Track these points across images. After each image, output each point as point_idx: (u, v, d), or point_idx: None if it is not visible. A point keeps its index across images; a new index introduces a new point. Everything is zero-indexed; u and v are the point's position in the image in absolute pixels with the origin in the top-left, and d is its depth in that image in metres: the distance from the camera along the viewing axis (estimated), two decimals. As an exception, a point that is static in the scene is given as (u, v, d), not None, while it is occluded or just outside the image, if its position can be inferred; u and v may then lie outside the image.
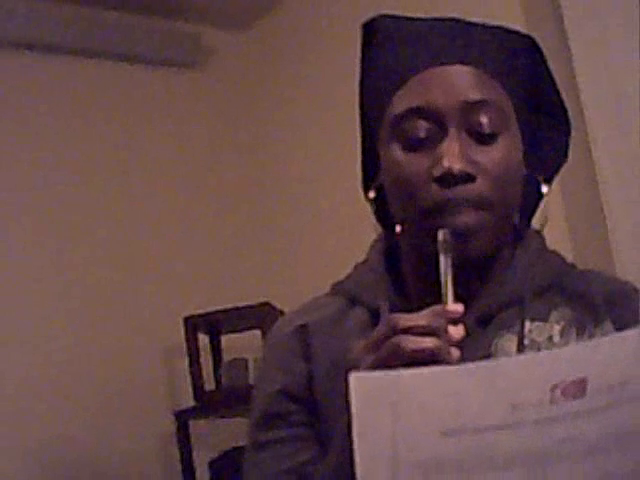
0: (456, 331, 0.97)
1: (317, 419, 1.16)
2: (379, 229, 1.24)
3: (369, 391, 0.88)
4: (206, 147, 3.37)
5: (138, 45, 3.22)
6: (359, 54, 1.19)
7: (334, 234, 3.07)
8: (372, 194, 1.19)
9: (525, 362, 0.93)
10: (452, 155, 1.07)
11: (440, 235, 1.05)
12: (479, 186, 1.08)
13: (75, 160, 3.07)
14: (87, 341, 2.93)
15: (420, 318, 0.95)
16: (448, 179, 1.07)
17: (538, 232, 1.22)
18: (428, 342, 0.93)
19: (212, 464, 2.86)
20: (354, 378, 0.89)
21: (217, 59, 3.46)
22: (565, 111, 1.21)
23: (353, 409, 0.88)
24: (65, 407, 2.84)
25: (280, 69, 3.42)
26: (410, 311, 0.98)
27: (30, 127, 2.99)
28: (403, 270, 1.20)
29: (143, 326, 3.03)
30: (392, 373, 0.90)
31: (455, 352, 0.96)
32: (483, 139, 1.10)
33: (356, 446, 0.88)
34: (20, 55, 3.00)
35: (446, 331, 0.96)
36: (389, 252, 1.23)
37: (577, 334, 1.12)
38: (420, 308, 0.98)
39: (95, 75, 3.16)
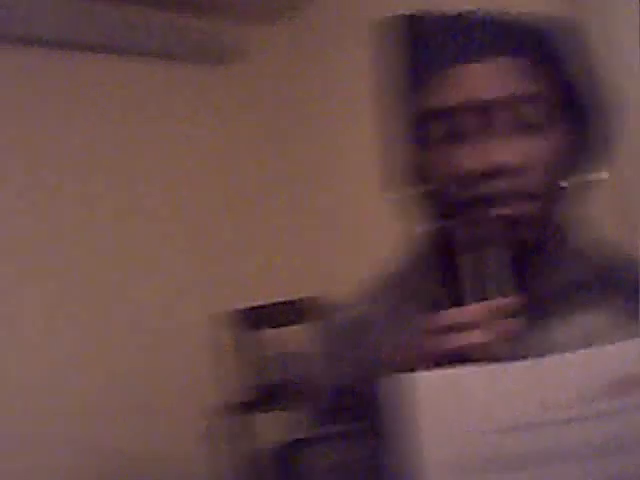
0: (508, 324, 0.96)
1: (373, 413, 1.16)
2: (421, 223, 1.24)
3: (418, 390, 0.88)
4: (237, 142, 3.37)
5: (169, 43, 3.23)
6: (391, 48, 1.18)
7: (375, 227, 3.05)
8: (412, 190, 1.18)
9: (578, 358, 0.92)
10: (497, 148, 1.07)
11: (488, 228, 1.04)
12: (525, 178, 1.08)
13: (110, 156, 3.08)
14: (129, 338, 2.95)
15: (465, 314, 0.95)
16: (494, 172, 1.06)
17: (583, 221, 1.20)
18: (472, 338, 0.93)
19: (260, 456, 2.86)
20: (405, 378, 0.89)
21: (247, 55, 3.46)
22: (599, 106, 1.18)
23: (389, 409, 0.87)
24: (107, 405, 2.86)
25: (310, 64, 3.42)
26: (461, 305, 0.97)
27: (69, 124, 3.00)
28: (453, 263, 1.19)
29: (188, 322, 3.04)
30: (440, 371, 0.89)
31: (504, 347, 0.94)
32: (528, 131, 1.09)
33: (413, 443, 0.87)
34: (56, 54, 3.02)
35: (497, 325, 0.95)
36: (437, 244, 1.22)
37: (629, 324, 1.11)
38: (471, 301, 0.98)
39: (127, 73, 3.17)
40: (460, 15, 1.15)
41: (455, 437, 0.88)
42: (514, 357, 0.93)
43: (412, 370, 0.92)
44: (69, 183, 3.01)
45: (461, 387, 0.89)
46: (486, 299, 0.98)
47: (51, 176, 2.97)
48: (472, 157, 1.07)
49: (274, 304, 2.85)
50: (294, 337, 2.83)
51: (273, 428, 2.87)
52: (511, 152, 1.07)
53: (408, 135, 1.16)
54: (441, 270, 1.18)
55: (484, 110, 1.08)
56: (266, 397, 2.82)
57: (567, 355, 0.99)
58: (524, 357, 0.92)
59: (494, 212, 1.06)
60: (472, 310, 0.96)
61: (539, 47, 1.11)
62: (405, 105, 1.15)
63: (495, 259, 1.02)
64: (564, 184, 1.12)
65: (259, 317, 2.94)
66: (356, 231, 3.14)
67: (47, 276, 2.88)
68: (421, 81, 1.12)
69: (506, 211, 1.06)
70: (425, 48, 1.13)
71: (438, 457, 0.88)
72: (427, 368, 0.92)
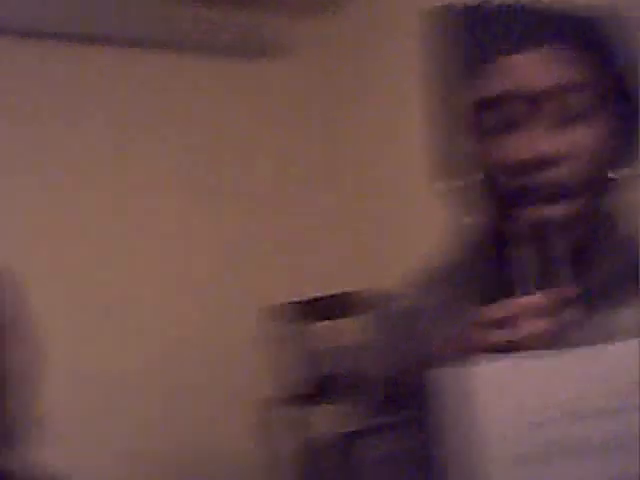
0: (563, 315, 0.96)
1: (425, 404, 1.16)
2: (470, 214, 1.23)
3: (476, 381, 0.89)
4: (281, 136, 3.38)
5: (211, 36, 3.25)
6: (440, 38, 1.18)
7: (423, 219, 3.04)
8: (458, 183, 1.18)
9: (626, 348, 0.91)
10: (544, 137, 1.07)
11: (539, 219, 1.05)
12: (572, 168, 1.08)
13: (159, 152, 3.10)
14: (180, 330, 2.97)
15: (520, 305, 0.95)
16: (541, 162, 1.06)
17: (633, 211, 1.19)
18: (527, 329, 0.93)
19: (308, 448, 2.87)
20: (462, 368, 0.90)
21: (290, 49, 3.46)
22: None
23: (440, 401, 0.87)
24: (162, 399, 2.89)
25: (354, 57, 3.41)
26: (511, 297, 0.97)
27: (119, 119, 3.03)
28: (503, 254, 1.19)
29: (232, 316, 3.06)
30: (498, 361, 0.90)
31: (559, 338, 0.94)
32: (574, 120, 1.08)
33: (471, 432, 0.88)
34: (108, 50, 3.05)
35: (552, 315, 0.95)
36: (487, 236, 1.22)
37: None
38: (524, 293, 0.98)
39: (175, 68, 3.19)
40: (507, 4, 1.15)
41: (513, 427, 0.88)
42: (568, 348, 0.93)
43: (463, 362, 0.92)
44: (134, 177, 3.04)
45: (519, 376, 0.89)
46: (539, 290, 0.98)
47: (116, 169, 3.01)
48: (519, 147, 1.07)
49: (324, 297, 2.86)
50: (344, 330, 2.83)
51: (324, 421, 2.89)
52: (558, 142, 1.06)
53: (457, 125, 1.16)
54: (491, 262, 1.18)
55: (531, 100, 1.07)
56: (317, 390, 2.83)
57: (621, 343, 0.99)
58: (577, 347, 0.92)
59: (543, 203, 1.06)
60: (527, 301, 0.96)
61: (585, 35, 1.10)
62: (454, 95, 1.15)
63: (548, 250, 1.02)
64: (614, 175, 1.11)
65: (310, 310, 2.95)
66: (405, 223, 3.13)
67: (111, 267, 2.92)
68: (470, 71, 1.12)
69: (554, 201, 1.06)
70: (474, 38, 1.13)
71: (497, 448, 0.88)
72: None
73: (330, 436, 2.82)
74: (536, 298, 0.96)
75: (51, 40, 2.95)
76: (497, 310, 0.96)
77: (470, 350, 0.94)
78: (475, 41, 1.13)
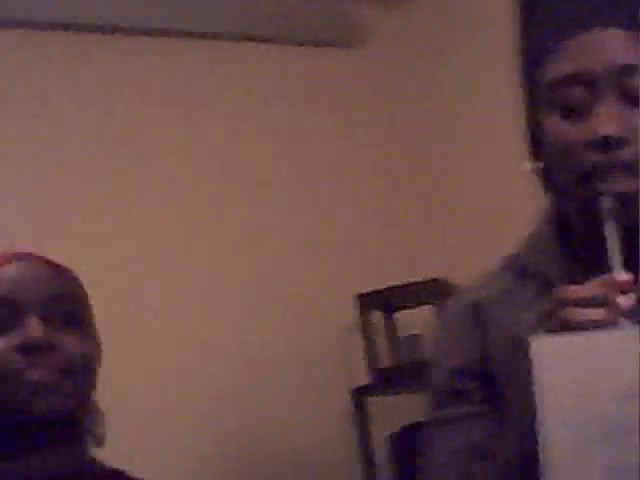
0: (626, 300, 0.95)
1: (494, 396, 1.16)
2: (545, 199, 1.24)
3: (550, 355, 0.89)
4: (367, 125, 3.37)
5: (294, 27, 3.25)
6: (524, 17, 1.19)
7: (504, 207, 3.01)
8: (537, 164, 1.20)
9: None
10: (607, 120, 1.08)
11: (603, 202, 1.06)
12: (635, 149, 1.08)
13: (238, 143, 3.12)
14: (261, 322, 2.99)
15: (588, 289, 0.96)
16: (604, 143, 1.08)
17: None
18: (596, 314, 0.93)
19: (391, 439, 2.87)
20: (534, 342, 0.90)
21: (374, 37, 3.44)
22: None
23: (534, 373, 0.88)
24: (250, 387, 2.91)
25: (438, 45, 3.38)
26: (581, 280, 0.97)
27: (200, 111, 3.06)
28: (573, 239, 1.19)
29: (317, 305, 3.07)
30: (567, 336, 0.90)
31: (624, 322, 0.94)
32: (632, 103, 1.09)
33: (540, 410, 0.88)
34: (185, 43, 3.08)
35: (616, 301, 0.95)
36: (558, 221, 1.21)
37: None
38: (590, 277, 0.98)
39: (253, 59, 3.21)
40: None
41: (583, 402, 0.87)
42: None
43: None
44: (231, 174, 3.07)
45: (589, 351, 0.89)
46: (604, 274, 0.98)
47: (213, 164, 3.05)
48: (582, 129, 1.09)
49: (414, 283, 2.86)
50: (426, 318, 2.82)
51: (417, 408, 2.88)
52: (619, 124, 1.08)
53: (540, 103, 1.17)
54: (563, 245, 1.18)
55: (592, 81, 1.09)
56: (408, 378, 2.82)
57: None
58: None
59: (606, 186, 1.07)
60: (589, 287, 0.96)
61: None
62: (537, 73, 1.16)
63: (610, 234, 1.02)
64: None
65: (399, 297, 2.94)
66: (494, 207, 3.10)
67: (204, 255, 2.95)
68: (552, 48, 1.13)
69: (619, 185, 1.07)
70: (555, 15, 1.15)
71: (564, 426, 0.87)
72: None
73: (409, 426, 2.82)
74: (627, 275, 0.96)
75: (140, 35, 2.99)
76: (565, 294, 0.96)
77: (552, 331, 0.95)
78: (555, 19, 1.14)
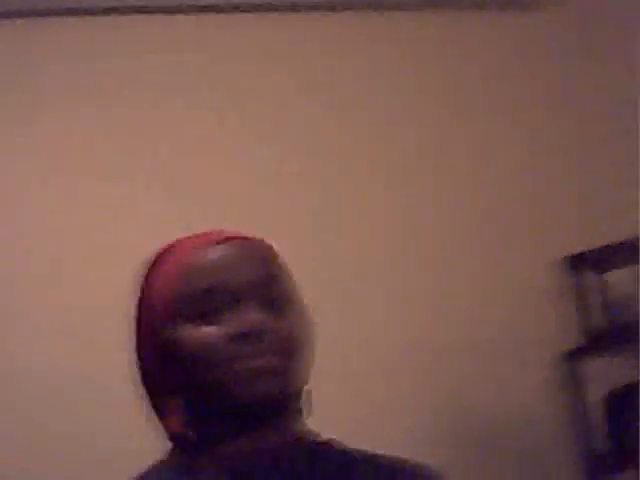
0: None
1: None
2: None
3: None
4: (557, 88, 3.27)
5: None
6: None
7: None
8: None
9: None
10: None
11: None
12: None
13: (435, 107, 3.12)
14: (470, 285, 2.99)
15: None
16: None
17: None
18: None
19: (605, 401, 2.82)
20: None
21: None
22: None
23: None
24: (451, 354, 2.92)
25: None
26: None
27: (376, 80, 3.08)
28: None
29: (527, 267, 3.04)
30: None
31: None
32: None
33: None
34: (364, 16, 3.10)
35: None
36: None
37: None
38: None
39: (445, 27, 3.18)
40: None
41: None
42: None
43: None
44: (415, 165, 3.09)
45: None
46: None
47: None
48: None
49: (616, 244, 2.78)
50: (636, 278, 2.75)
51: (618, 372, 2.82)
52: None
53: None
54: None
55: None
56: (610, 340, 2.77)
57: None
58: None
59: None
60: None
61: None
62: None
63: None
64: None
65: (602, 259, 2.88)
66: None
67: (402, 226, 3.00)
68: None
69: None
70: None
71: None
72: None
73: (632, 386, 2.76)
74: None
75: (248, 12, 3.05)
76: None
77: None
78: None
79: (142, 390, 1.26)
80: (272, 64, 2.99)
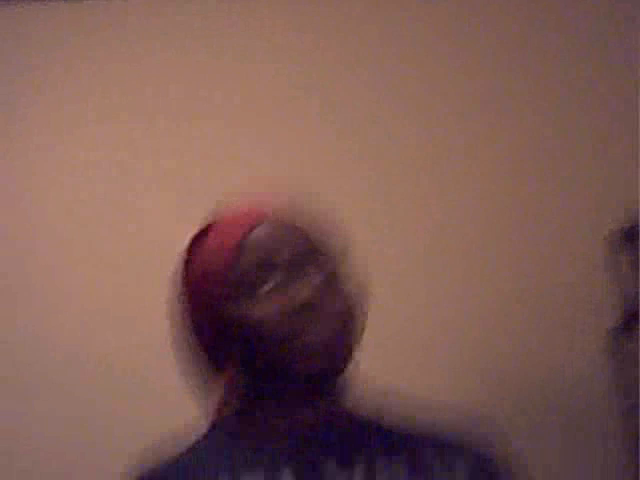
0: None
1: None
2: None
3: None
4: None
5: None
6: None
7: None
8: None
9: None
10: None
11: None
12: None
13: (467, 90, 3.09)
14: (528, 258, 2.98)
15: None
16: None
17: None
18: None
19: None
20: None
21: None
22: None
23: None
24: (506, 332, 2.92)
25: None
26: None
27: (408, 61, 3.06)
28: None
29: (569, 244, 3.02)
30: None
31: None
32: None
33: None
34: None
35: None
36: None
37: None
38: None
39: (448, 20, 3.15)
40: None
41: None
42: None
43: None
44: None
45: None
46: None
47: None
48: None
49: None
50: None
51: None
52: None
53: None
54: None
55: None
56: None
57: None
58: None
59: None
60: None
61: None
62: None
63: None
64: None
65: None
66: None
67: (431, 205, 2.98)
68: None
69: None
70: None
71: None
72: None
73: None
74: None
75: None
76: None
77: None
78: None
79: (190, 368, 1.27)
80: (273, 59, 2.99)
